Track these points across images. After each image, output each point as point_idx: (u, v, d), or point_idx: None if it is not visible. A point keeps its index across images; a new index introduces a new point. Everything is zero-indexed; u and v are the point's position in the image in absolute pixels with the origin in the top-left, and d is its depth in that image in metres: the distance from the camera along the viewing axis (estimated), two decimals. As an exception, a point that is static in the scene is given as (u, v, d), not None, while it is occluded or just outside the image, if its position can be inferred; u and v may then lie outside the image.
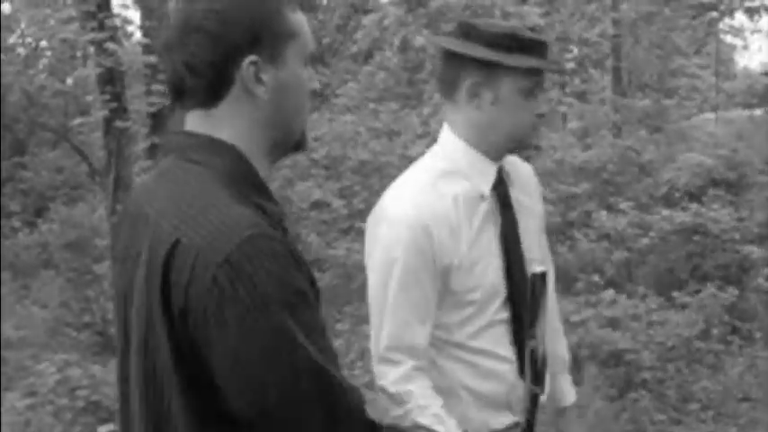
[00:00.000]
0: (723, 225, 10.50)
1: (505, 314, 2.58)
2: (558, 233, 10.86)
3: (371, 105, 13.11)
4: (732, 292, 9.44)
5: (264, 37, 1.63)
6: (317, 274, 10.10)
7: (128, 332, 1.67)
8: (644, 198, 12.09)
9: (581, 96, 17.48)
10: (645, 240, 10.06)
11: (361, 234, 12.07)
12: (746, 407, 7.75)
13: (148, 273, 1.55)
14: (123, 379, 1.72)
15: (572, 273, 9.88)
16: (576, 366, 6.86)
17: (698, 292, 9.33)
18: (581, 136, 14.53)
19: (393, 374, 2.39)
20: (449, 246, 2.45)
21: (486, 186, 2.57)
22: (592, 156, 12.92)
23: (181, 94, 1.66)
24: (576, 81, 18.49)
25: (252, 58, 1.62)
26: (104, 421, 6.11)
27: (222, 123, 1.63)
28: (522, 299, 2.62)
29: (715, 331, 8.86)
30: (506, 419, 2.61)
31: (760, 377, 8.57)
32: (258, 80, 1.63)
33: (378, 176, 10.76)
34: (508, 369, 2.59)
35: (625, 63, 16.98)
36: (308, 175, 11.23)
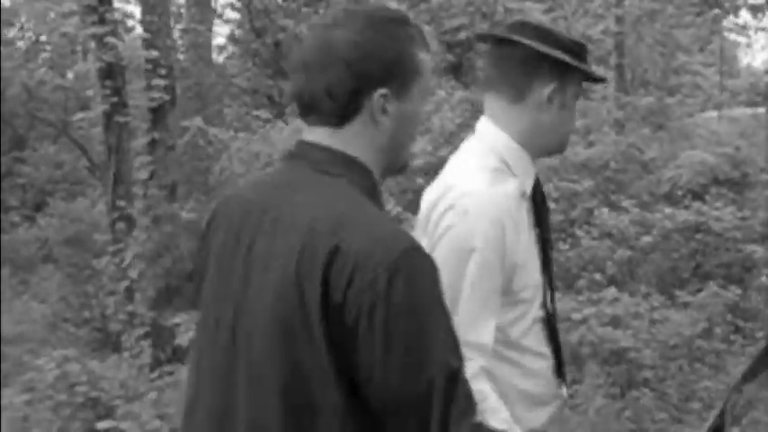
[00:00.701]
0: (725, 224, 10.46)
1: (541, 313, 2.59)
2: (559, 231, 10.82)
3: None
4: (734, 291, 9.40)
5: (396, 73, 1.81)
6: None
7: (221, 325, 1.80)
8: (646, 196, 12.04)
9: (584, 93, 17.43)
10: (647, 238, 10.01)
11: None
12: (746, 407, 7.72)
13: (299, 272, 1.66)
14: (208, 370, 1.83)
15: (574, 270, 9.84)
16: (578, 364, 6.83)
17: (700, 290, 9.29)
18: (583, 133, 14.47)
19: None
20: (515, 243, 2.45)
21: (528, 186, 2.58)
22: (594, 153, 12.86)
23: (310, 111, 1.82)
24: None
25: (383, 90, 1.80)
26: (103, 417, 6.08)
27: (348, 142, 1.80)
28: (553, 297, 2.67)
29: (717, 330, 8.82)
30: (545, 417, 2.62)
31: (761, 377, 8.54)
32: (384, 111, 1.81)
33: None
34: (547, 366, 2.61)
35: (628, 60, 16.92)
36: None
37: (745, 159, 13.75)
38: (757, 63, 42.28)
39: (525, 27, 2.56)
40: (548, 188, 11.68)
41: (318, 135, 1.83)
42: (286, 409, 1.70)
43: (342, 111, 1.79)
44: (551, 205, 11.29)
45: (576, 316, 7.18)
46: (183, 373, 6.99)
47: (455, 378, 1.67)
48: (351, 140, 1.81)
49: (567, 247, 10.50)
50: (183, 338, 6.81)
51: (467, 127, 11.72)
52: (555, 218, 11.05)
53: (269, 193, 1.85)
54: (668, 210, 10.76)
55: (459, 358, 1.71)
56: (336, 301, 1.63)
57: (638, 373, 6.75)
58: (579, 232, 10.79)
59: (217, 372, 1.82)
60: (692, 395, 7.32)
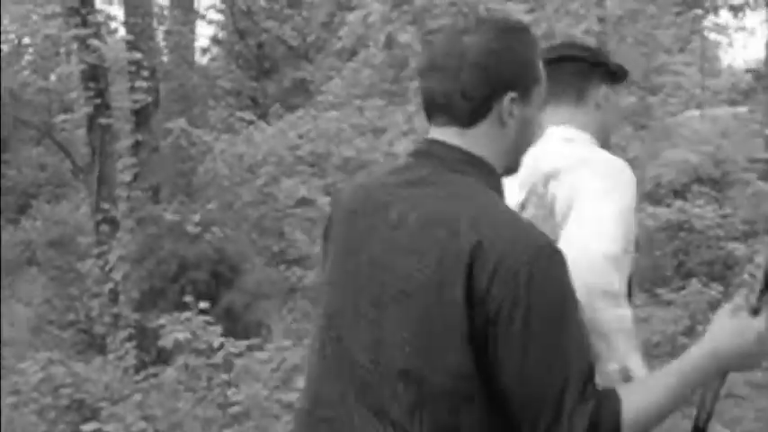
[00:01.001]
0: (707, 222, 10.53)
1: None
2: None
3: (356, 102, 13.06)
4: (717, 288, 9.46)
5: (523, 78, 1.91)
6: (301, 272, 10.01)
7: (353, 315, 1.85)
8: (629, 195, 12.08)
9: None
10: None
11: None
12: (731, 403, 7.76)
13: (441, 268, 1.72)
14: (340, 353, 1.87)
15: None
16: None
17: (683, 288, 9.34)
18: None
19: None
20: None
21: None
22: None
23: (442, 112, 1.89)
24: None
25: (512, 94, 1.88)
26: (88, 419, 6.07)
27: (476, 143, 1.88)
28: None
29: (700, 328, 8.87)
30: None
31: (744, 374, 8.59)
32: (511, 114, 1.89)
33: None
34: None
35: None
36: (293, 171, 11.16)
37: (727, 158, 13.84)
38: (738, 62, 42.49)
39: (583, 49, 2.86)
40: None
41: (447, 134, 1.90)
42: (417, 399, 1.75)
43: (474, 112, 1.88)
44: (532, 210, 11.29)
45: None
46: (167, 374, 6.99)
47: (589, 378, 1.72)
48: (479, 141, 1.89)
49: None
50: (168, 340, 6.80)
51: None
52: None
53: (397, 188, 1.89)
54: (651, 208, 10.82)
55: (591, 358, 1.76)
56: (479, 296, 1.70)
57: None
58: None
59: (343, 360, 1.87)
60: (675, 392, 7.37)
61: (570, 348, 1.71)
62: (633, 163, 10.94)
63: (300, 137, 11.59)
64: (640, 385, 1.85)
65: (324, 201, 10.51)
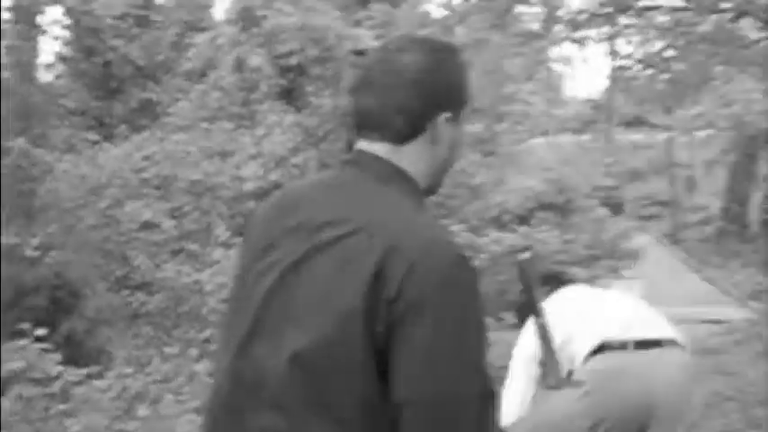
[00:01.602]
0: (551, 247, 10.77)
1: None
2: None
3: (204, 125, 12.92)
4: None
5: (457, 98, 1.94)
6: (145, 298, 9.77)
7: (260, 316, 1.83)
8: (475, 220, 12.28)
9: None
10: (476, 262, 10.19)
11: (191, 256, 11.66)
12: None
13: (354, 261, 1.73)
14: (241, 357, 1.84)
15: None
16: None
17: (526, 312, 9.52)
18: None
19: None
20: None
21: None
22: (425, 178, 13.05)
23: (376, 128, 1.91)
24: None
25: (446, 114, 1.90)
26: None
27: (406, 160, 1.89)
28: None
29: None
30: None
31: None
32: (443, 133, 1.90)
33: (209, 197, 10.57)
34: None
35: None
36: (138, 194, 10.93)
37: (570, 185, 14.24)
38: (582, 93, 44.07)
39: None
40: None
41: (378, 149, 1.91)
42: (312, 387, 1.75)
43: (409, 130, 1.89)
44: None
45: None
46: (1, 405, 6.69)
47: (489, 398, 1.72)
48: (409, 158, 1.90)
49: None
50: (5, 368, 6.51)
51: (297, 151, 11.70)
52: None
53: (322, 193, 1.92)
54: (495, 234, 11.02)
55: (491, 379, 1.74)
56: (389, 296, 1.69)
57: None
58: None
59: (241, 346, 1.85)
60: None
61: (471, 362, 1.72)
62: (480, 189, 11.15)
63: (146, 159, 11.38)
64: None
65: (169, 224, 10.29)
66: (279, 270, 1.84)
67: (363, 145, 1.93)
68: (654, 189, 32.76)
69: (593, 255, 11.88)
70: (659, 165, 34.05)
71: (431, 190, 1.99)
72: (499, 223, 12.31)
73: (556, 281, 4.29)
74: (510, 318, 9.12)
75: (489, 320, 8.74)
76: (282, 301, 1.82)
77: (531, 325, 3.67)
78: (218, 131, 12.52)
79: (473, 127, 16.42)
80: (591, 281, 11.21)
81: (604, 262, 12.34)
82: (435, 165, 1.94)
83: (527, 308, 2.16)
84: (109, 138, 13.68)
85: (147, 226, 10.41)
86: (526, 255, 2.27)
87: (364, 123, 1.94)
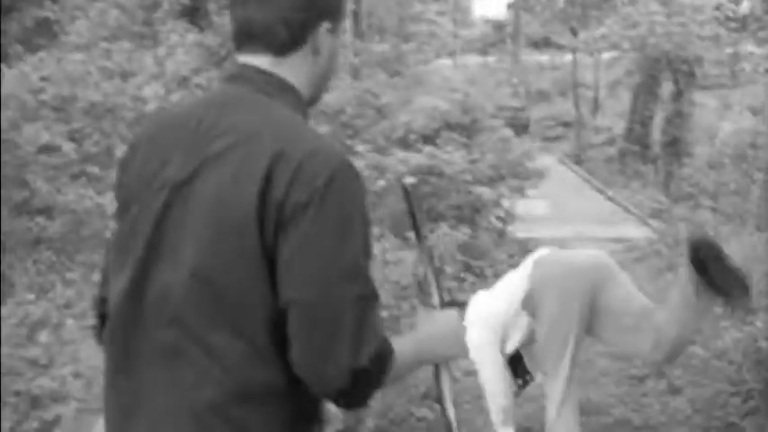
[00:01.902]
0: (456, 167, 10.81)
1: None
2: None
3: (103, 44, 12.56)
4: (465, 231, 9.75)
5: (337, 9, 2.01)
6: (46, 223, 9.59)
7: (157, 235, 1.85)
8: (381, 140, 12.25)
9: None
10: (381, 182, 10.19)
11: (92, 179, 11.46)
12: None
13: (242, 170, 1.77)
14: (139, 280, 1.86)
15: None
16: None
17: (432, 231, 9.57)
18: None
19: None
20: None
21: None
22: (330, 99, 12.94)
23: (258, 40, 1.94)
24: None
25: (327, 25, 1.97)
26: None
27: (289, 71, 1.95)
28: None
29: (449, 269, 9.13)
30: None
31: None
32: (324, 44, 1.98)
33: (110, 118, 10.32)
34: None
35: (364, 7, 17.11)
36: (35, 116, 10.63)
37: (475, 105, 14.28)
38: (490, 13, 44.05)
39: None
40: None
41: (260, 61, 1.95)
42: (206, 309, 1.78)
43: (291, 41, 1.94)
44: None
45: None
46: None
47: (370, 301, 1.76)
48: (291, 69, 1.95)
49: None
50: None
51: (200, 71, 11.48)
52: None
53: (207, 107, 1.93)
54: (401, 154, 11.00)
55: (372, 283, 1.79)
56: (277, 198, 1.74)
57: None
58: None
59: (138, 265, 1.86)
60: (425, 332, 7.55)
61: (352, 263, 1.76)
62: (385, 109, 11.12)
63: (43, 80, 11.05)
64: (395, 345, 1.85)
65: (69, 147, 10.05)
66: (170, 187, 1.85)
67: (246, 58, 1.97)
68: (559, 110, 33.14)
69: (497, 174, 11.98)
70: (564, 86, 34.41)
71: (313, 100, 2.05)
72: (405, 143, 12.30)
73: None
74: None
75: (393, 241, 8.80)
76: (178, 217, 1.84)
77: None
78: (118, 51, 12.19)
79: (379, 47, 16.34)
80: (496, 200, 11.35)
81: (509, 182, 12.46)
82: (317, 75, 2.00)
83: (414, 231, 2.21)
84: (3, 59, 13.23)
85: (46, 149, 10.15)
86: (411, 179, 2.28)
87: (246, 36, 1.97)
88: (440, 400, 2.21)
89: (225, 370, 1.76)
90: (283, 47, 1.95)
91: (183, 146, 1.88)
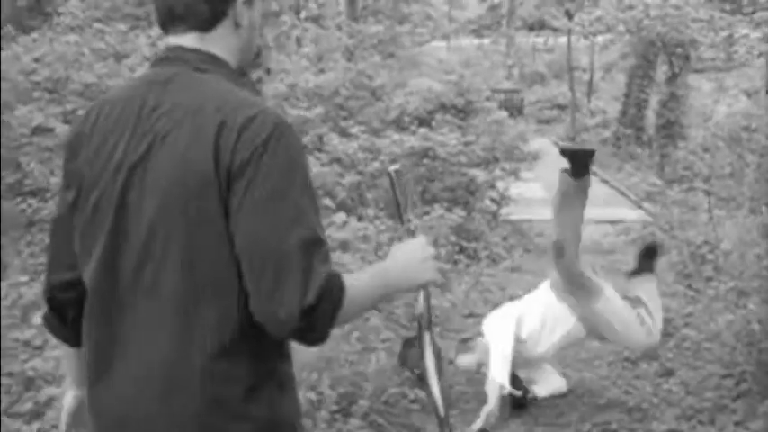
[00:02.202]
0: (451, 149, 10.80)
1: None
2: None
3: (97, 25, 12.51)
4: (459, 213, 9.76)
5: None
6: (39, 205, 9.54)
7: (120, 216, 1.96)
8: (376, 122, 12.24)
9: (316, 21, 17.46)
10: (375, 164, 10.19)
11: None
12: (472, 322, 8.07)
13: (190, 145, 1.91)
14: (110, 261, 1.97)
15: (304, 197, 9.87)
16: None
17: (427, 213, 9.58)
18: (315, 60, 14.49)
19: None
20: None
21: None
22: (324, 80, 12.92)
23: (181, 19, 2.07)
24: (312, 5, 18.43)
25: None
26: None
27: (215, 45, 2.09)
28: None
29: (443, 251, 9.14)
30: None
31: (484, 294, 8.95)
32: (243, 16, 2.12)
33: (104, 99, 10.31)
34: None
35: (360, -11, 17.03)
36: (29, 98, 10.59)
37: (470, 87, 14.26)
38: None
39: None
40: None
41: (186, 40, 2.09)
42: (179, 277, 1.90)
43: (213, 16, 2.07)
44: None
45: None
46: None
47: (313, 246, 1.85)
48: (217, 43, 2.09)
49: (297, 173, 10.51)
50: None
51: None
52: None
53: (148, 88, 2.04)
54: (396, 136, 10.98)
55: (320, 231, 1.89)
56: (226, 164, 1.87)
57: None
58: (310, 158, 10.84)
59: (107, 248, 1.98)
60: (418, 314, 7.56)
61: (294, 212, 1.86)
62: (380, 91, 11.09)
63: (36, 61, 11.01)
64: (351, 278, 1.93)
65: (62, 129, 10.01)
66: (126, 169, 1.97)
67: (172, 40, 2.10)
68: (553, 92, 33.12)
69: (492, 156, 11.98)
70: (559, 68, 34.37)
71: (241, 70, 2.19)
72: (399, 125, 12.28)
73: None
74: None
75: (387, 223, 8.80)
76: (138, 196, 1.96)
77: None
78: (111, 32, 12.16)
79: (374, 28, 16.29)
80: (491, 182, 11.35)
81: (504, 164, 12.46)
82: (241, 46, 2.15)
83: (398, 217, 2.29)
84: (-4, 39, 13.19)
85: (40, 130, 10.12)
86: (396, 166, 2.36)
87: (170, 18, 2.10)
88: (423, 376, 2.27)
89: (202, 331, 1.89)
90: (206, 23, 2.07)
91: (130, 128, 2.00)
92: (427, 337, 2.27)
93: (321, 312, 1.83)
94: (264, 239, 1.84)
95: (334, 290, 1.85)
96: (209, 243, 1.89)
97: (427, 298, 2.27)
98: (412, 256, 2.11)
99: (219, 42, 2.10)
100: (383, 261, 2.11)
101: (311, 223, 1.87)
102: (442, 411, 2.28)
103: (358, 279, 1.95)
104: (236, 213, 1.86)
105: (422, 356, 2.25)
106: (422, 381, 2.30)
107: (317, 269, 1.83)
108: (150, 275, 1.93)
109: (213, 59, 2.08)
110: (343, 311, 1.87)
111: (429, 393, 2.27)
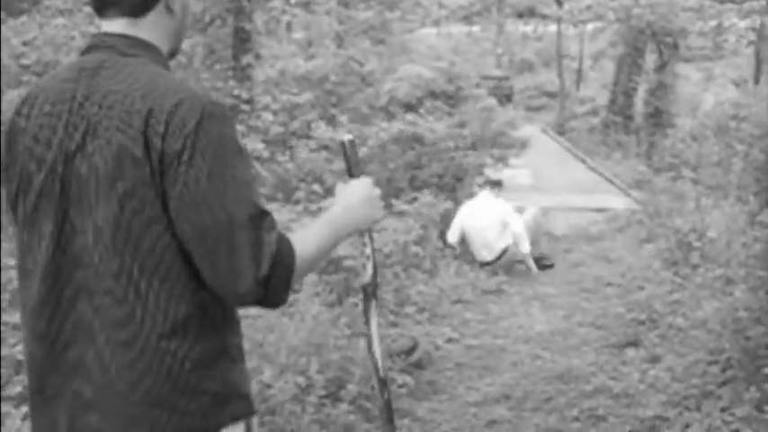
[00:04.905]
0: (439, 135, 10.80)
1: None
2: (278, 143, 10.81)
3: (86, 9, 12.46)
4: (446, 199, 9.78)
5: None
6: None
7: (64, 208, 1.98)
8: (365, 108, 12.23)
9: (306, 6, 17.41)
10: (364, 149, 10.18)
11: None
12: (459, 308, 8.09)
13: (122, 133, 1.92)
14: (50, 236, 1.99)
15: (292, 182, 9.88)
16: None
17: (415, 199, 9.59)
18: (304, 46, 14.46)
19: None
20: None
21: None
22: (314, 66, 12.90)
23: (112, 5, 2.08)
24: (301, -9, 18.35)
25: None
26: None
27: (146, 30, 2.10)
28: None
29: (432, 237, 9.16)
30: None
31: (471, 280, 8.97)
32: (174, 2, 2.14)
33: (93, 83, 10.28)
34: None
35: (349, -26, 16.99)
36: (18, 82, 10.56)
37: (460, 74, 14.26)
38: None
39: None
40: (267, 100, 11.63)
41: (117, 26, 2.10)
42: (123, 263, 1.93)
43: (144, 2, 2.09)
44: (269, 117, 11.25)
45: (294, 226, 7.21)
46: None
47: (258, 218, 1.91)
48: (148, 28, 2.11)
49: (285, 158, 10.51)
50: None
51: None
52: (274, 130, 11.02)
53: (77, 77, 2.04)
54: (385, 123, 10.97)
55: (260, 203, 1.94)
56: (157, 151, 1.89)
57: (354, 280, 6.88)
58: (299, 144, 10.83)
59: (47, 246, 1.99)
60: (408, 299, 7.59)
61: (234, 190, 1.90)
62: (369, 77, 11.07)
63: (25, 44, 10.97)
64: (300, 236, 2.02)
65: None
66: (64, 159, 1.99)
67: (105, 26, 2.11)
68: (542, 80, 33.11)
69: (480, 143, 11.98)
70: (548, 56, 34.36)
71: (172, 54, 2.23)
72: (388, 111, 12.28)
73: None
74: (399, 205, 9.22)
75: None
76: (78, 184, 1.97)
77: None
78: (100, 16, 12.10)
79: (364, 14, 16.26)
80: (478, 168, 11.36)
81: (492, 151, 12.47)
82: (173, 30, 2.18)
83: None
84: (-16, 22, 13.13)
85: (28, 114, 10.09)
86: (348, 136, 2.41)
87: (102, 3, 2.11)
88: (368, 341, 2.39)
89: (152, 313, 1.94)
90: (137, 8, 2.09)
91: (64, 118, 2.01)
92: (373, 304, 2.37)
93: (277, 279, 1.91)
94: (212, 223, 1.88)
95: (284, 255, 1.93)
96: (149, 230, 1.92)
97: (374, 266, 2.38)
98: (358, 197, 2.20)
99: (151, 27, 2.12)
100: (331, 207, 2.18)
101: (252, 196, 1.92)
102: (382, 373, 2.43)
103: (306, 234, 2.04)
104: (178, 201, 1.89)
105: (367, 322, 2.36)
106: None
107: (266, 240, 1.90)
108: (97, 265, 1.95)
109: (141, 44, 2.09)
110: (297, 271, 1.95)
111: (372, 357, 2.40)
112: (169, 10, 2.15)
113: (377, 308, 2.38)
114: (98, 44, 2.10)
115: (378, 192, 2.25)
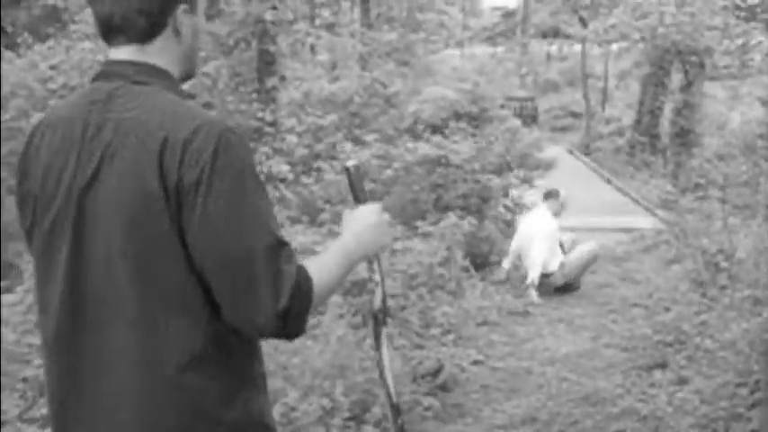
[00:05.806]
0: (464, 156, 10.79)
1: None
2: (303, 164, 10.83)
3: (112, 33, 12.60)
4: (471, 221, 9.75)
5: None
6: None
7: (80, 235, 1.94)
8: (390, 130, 12.24)
9: (330, 28, 17.49)
10: (389, 172, 10.19)
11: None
12: (485, 330, 8.06)
13: (137, 163, 1.89)
14: (73, 268, 1.96)
15: (317, 204, 9.89)
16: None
17: (440, 221, 9.57)
18: (329, 68, 14.52)
19: None
20: None
21: None
22: (339, 88, 12.94)
23: (119, 32, 2.03)
24: (326, 13, 18.46)
25: (184, 6, 2.07)
26: None
27: (155, 55, 2.05)
28: None
29: (457, 258, 9.13)
30: None
31: (497, 301, 8.93)
32: (184, 24, 2.09)
33: (119, 106, 10.34)
34: None
35: (374, -3, 17.06)
36: (44, 105, 10.64)
37: (484, 95, 14.26)
38: (499, 2, 43.96)
39: None
40: (291, 122, 11.67)
41: (125, 53, 2.04)
42: (140, 294, 1.90)
43: (152, 27, 2.03)
44: (294, 139, 11.29)
45: (319, 249, 7.21)
46: None
47: (278, 249, 1.87)
48: (157, 54, 2.06)
49: (311, 180, 10.53)
50: None
51: (209, 59, 11.46)
52: (299, 152, 11.04)
53: (89, 108, 2.00)
54: (410, 144, 10.98)
55: (278, 232, 1.91)
56: (173, 182, 1.85)
57: (379, 302, 6.84)
58: (324, 166, 10.85)
59: (64, 276, 1.96)
60: (433, 321, 7.56)
61: (253, 220, 1.87)
62: (394, 99, 11.10)
63: (52, 68, 11.05)
64: (315, 265, 1.98)
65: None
66: (78, 192, 1.95)
67: (113, 53, 2.06)
68: (567, 100, 33.05)
69: (505, 164, 11.96)
70: (573, 76, 34.32)
71: (185, 77, 2.18)
72: (413, 133, 12.28)
73: None
74: (424, 226, 9.21)
75: (401, 230, 8.81)
76: (92, 218, 1.94)
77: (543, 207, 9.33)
78: (126, 39, 12.20)
79: (388, 36, 16.30)
80: (504, 189, 11.33)
81: (517, 172, 12.44)
82: (183, 55, 2.13)
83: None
84: (12, 47, 13.25)
85: (54, 137, 10.16)
86: (354, 161, 2.40)
87: (108, 30, 2.06)
88: (380, 367, 2.36)
89: (170, 346, 1.91)
90: (145, 34, 2.04)
91: (76, 149, 1.97)
92: (384, 332, 2.35)
93: (296, 311, 1.88)
94: (230, 255, 1.85)
95: (303, 286, 1.89)
96: (165, 261, 1.89)
97: (383, 293, 2.35)
98: (366, 222, 2.17)
99: (160, 53, 2.07)
100: (341, 235, 2.15)
101: (270, 227, 1.89)
102: (394, 399, 2.38)
103: (322, 263, 2.00)
104: (196, 231, 1.86)
105: (378, 348, 2.33)
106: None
107: (285, 271, 1.86)
108: (114, 296, 1.93)
109: (153, 70, 2.05)
110: (315, 301, 1.92)
111: (384, 383, 2.37)
112: (177, 34, 2.09)
113: (387, 334, 2.36)
114: (108, 72, 2.05)
115: (386, 217, 2.22)
